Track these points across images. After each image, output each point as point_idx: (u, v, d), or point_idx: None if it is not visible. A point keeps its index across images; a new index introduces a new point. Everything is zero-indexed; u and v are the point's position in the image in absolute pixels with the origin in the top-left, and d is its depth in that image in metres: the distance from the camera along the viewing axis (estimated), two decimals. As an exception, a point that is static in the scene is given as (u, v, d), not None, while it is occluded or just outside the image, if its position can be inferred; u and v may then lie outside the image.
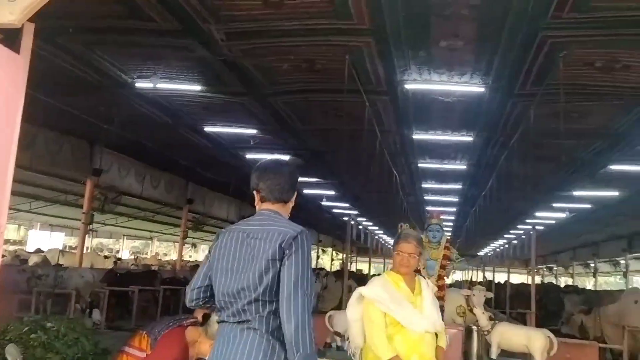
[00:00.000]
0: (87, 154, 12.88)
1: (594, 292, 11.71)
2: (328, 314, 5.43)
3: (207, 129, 12.03)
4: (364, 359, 3.29)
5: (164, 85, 9.14)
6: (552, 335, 5.01)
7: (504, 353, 5.37)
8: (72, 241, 25.27)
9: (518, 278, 22.72)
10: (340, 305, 9.60)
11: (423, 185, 17.17)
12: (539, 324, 10.74)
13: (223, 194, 19.58)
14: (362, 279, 14.46)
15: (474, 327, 5.47)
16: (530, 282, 9.81)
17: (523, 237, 18.26)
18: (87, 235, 14.32)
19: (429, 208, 18.15)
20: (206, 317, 2.98)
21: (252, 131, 11.95)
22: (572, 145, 11.52)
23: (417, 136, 11.53)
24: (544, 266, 32.66)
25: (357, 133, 10.61)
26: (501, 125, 10.63)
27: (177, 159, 15.07)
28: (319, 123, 11.17)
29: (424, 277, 3.52)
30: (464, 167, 13.97)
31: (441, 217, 5.91)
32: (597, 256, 25.63)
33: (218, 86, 9.32)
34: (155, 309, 11.90)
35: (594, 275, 26.30)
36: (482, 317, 5.22)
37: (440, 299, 5.54)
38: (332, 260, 32.58)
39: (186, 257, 29.43)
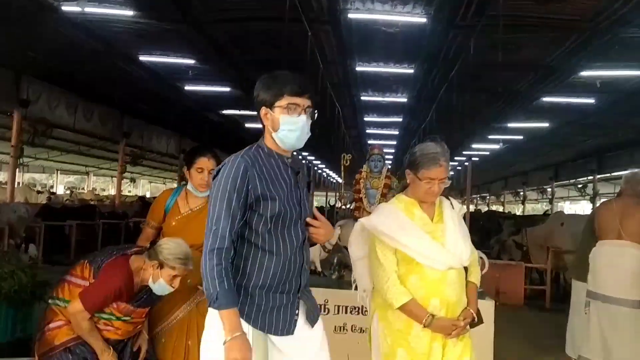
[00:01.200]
0: (13, 84, 12.09)
1: (528, 217, 12.45)
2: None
3: (143, 58, 11.48)
4: (373, 304, 2.75)
5: (93, 10, 8.56)
6: (484, 256, 5.26)
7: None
8: (2, 176, 24.11)
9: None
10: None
11: (365, 119, 17.30)
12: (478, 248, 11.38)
13: (162, 127, 19.03)
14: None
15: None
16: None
17: (459, 168, 18.94)
18: (17, 170, 13.69)
19: (371, 142, 18.39)
20: (153, 245, 2.96)
21: (189, 61, 11.52)
22: (509, 77, 11.82)
23: (360, 68, 11.47)
24: (478, 195, 34.18)
25: (299, 64, 10.43)
26: (442, 56, 10.71)
27: (111, 90, 14.39)
28: (259, 53, 10.86)
29: (447, 198, 2.79)
30: (404, 99, 14.11)
31: (383, 150, 5.98)
32: (527, 185, 27.00)
33: (153, 12, 8.84)
34: (94, 244, 11.68)
35: (523, 203, 27.79)
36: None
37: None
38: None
39: (125, 192, 28.81)
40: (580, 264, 5.17)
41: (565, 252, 8.54)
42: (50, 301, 2.89)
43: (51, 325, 2.81)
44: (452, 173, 18.83)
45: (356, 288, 2.96)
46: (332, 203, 15.27)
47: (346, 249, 6.28)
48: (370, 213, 5.98)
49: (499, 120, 15.72)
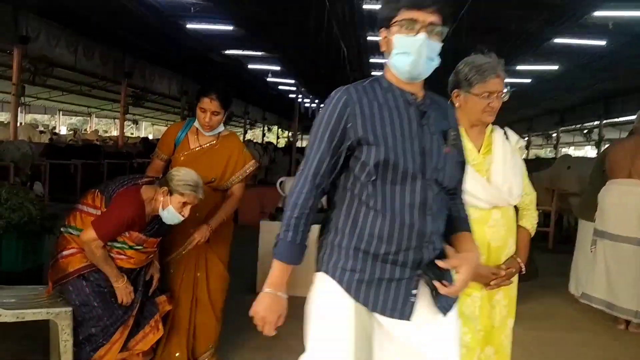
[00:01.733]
0: (12, 20, 11.79)
1: (533, 161, 12.38)
2: (280, 179, 5.46)
3: (143, -7, 11.15)
4: None
5: (92, -60, 8.23)
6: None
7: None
8: (4, 116, 23.97)
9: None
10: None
11: (371, 60, 16.95)
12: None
13: (164, 68, 18.71)
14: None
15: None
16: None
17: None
18: (19, 110, 13.56)
19: (373, 73, 18.04)
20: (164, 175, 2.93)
21: (192, -3, 11.18)
22: (520, 16, 11.48)
23: (367, 6, 11.12)
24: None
25: (304, 2, 10.12)
26: (452, -6, 10.35)
27: (111, 28, 14.04)
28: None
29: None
30: (411, 40, 13.74)
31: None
32: (532, 130, 26.80)
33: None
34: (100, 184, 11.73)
35: (527, 148, 27.69)
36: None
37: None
38: (278, 138, 32.64)
39: (127, 134, 28.73)
40: (589, 203, 5.17)
41: (570, 194, 8.53)
42: (62, 229, 2.89)
43: (64, 252, 2.82)
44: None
45: None
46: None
47: None
48: None
49: (508, 62, 15.22)
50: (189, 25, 13.44)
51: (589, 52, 13.67)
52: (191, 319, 3.32)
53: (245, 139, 27.01)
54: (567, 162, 9.22)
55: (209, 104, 3.15)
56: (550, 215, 8.93)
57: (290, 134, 37.23)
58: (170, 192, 2.75)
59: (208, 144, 3.27)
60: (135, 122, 27.88)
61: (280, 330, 4.30)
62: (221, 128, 3.31)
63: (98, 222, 2.72)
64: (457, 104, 2.23)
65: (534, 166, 11.08)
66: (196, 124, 3.26)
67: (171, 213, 2.77)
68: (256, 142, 11.19)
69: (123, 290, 2.81)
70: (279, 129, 34.62)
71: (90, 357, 2.80)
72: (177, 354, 3.26)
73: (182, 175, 2.77)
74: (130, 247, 2.81)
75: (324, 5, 10.67)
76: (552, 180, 8.77)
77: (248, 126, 28.77)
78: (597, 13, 10.58)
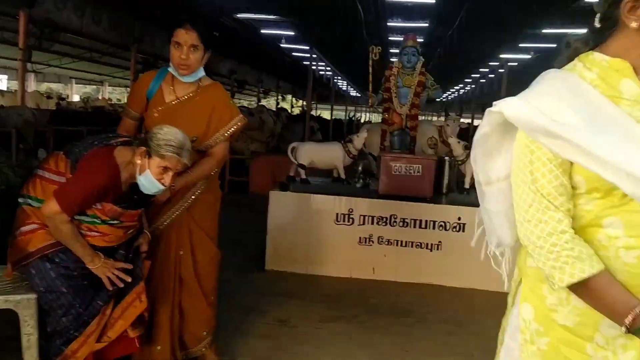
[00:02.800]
0: (15, -19, 11.21)
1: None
2: (291, 145, 4.89)
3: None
4: (517, 273, 1.49)
5: None
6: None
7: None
8: (17, 85, 23.54)
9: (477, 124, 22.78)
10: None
11: (388, 24, 16.08)
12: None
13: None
14: (325, 124, 13.96)
15: (447, 158, 5.05)
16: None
17: (491, 76, 17.88)
18: (32, 78, 13.07)
19: (392, 50, 17.23)
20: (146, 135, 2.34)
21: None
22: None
23: (386, -38, 10.34)
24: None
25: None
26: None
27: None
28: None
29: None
30: (432, 0, 12.91)
31: (417, 41, 5.17)
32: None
33: None
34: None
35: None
36: (458, 146, 4.78)
37: (413, 129, 5.05)
38: (292, 107, 31.91)
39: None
40: None
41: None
42: (20, 200, 2.35)
43: (23, 228, 2.29)
44: (483, 81, 17.72)
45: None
46: (351, 116, 14.55)
47: (372, 155, 5.68)
48: (400, 115, 5.33)
49: (533, 24, 14.47)
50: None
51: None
52: (174, 306, 2.79)
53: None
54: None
55: (184, 35, 2.56)
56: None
57: (304, 103, 36.51)
58: (149, 154, 2.19)
59: (186, 96, 2.70)
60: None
61: (288, 315, 3.67)
62: (201, 73, 2.70)
63: (61, 191, 2.18)
64: (633, 23, 1.27)
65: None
66: (171, 69, 2.67)
67: (149, 180, 2.21)
68: (268, 109, 10.57)
69: (103, 270, 2.28)
70: (293, 98, 33.84)
71: (61, 352, 2.29)
72: (158, 347, 2.73)
73: (164, 133, 2.21)
74: (104, 222, 2.27)
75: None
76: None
77: (262, 95, 28.07)
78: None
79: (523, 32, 15.47)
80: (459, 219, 4.53)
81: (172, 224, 2.72)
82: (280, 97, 31.95)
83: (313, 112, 35.98)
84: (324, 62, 21.80)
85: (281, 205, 4.68)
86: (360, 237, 4.63)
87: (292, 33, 17.71)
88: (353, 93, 34.96)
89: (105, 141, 2.31)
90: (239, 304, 3.95)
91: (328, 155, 4.87)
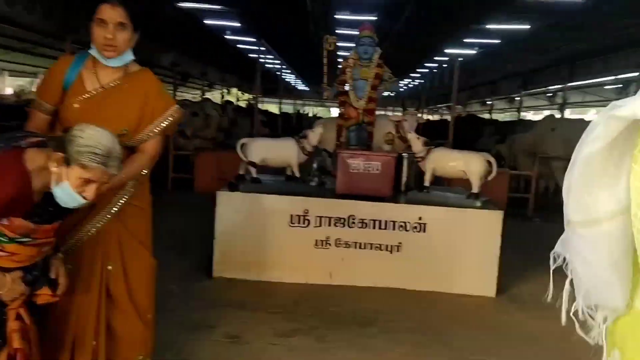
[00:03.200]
0: None
1: (509, 123, 11.60)
2: (241, 141, 4.49)
3: None
4: (616, 342, 1.08)
5: None
6: (491, 159, 4.45)
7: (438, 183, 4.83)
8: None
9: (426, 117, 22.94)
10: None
11: (336, 16, 15.78)
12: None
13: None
14: (273, 118, 13.56)
15: (405, 155, 4.79)
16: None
17: (435, 70, 17.91)
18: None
19: (340, 44, 16.93)
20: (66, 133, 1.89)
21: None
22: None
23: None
24: (444, 105, 33.38)
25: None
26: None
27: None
28: None
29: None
30: (381, -7, 12.71)
31: (374, 31, 4.88)
32: (495, 94, 26.29)
33: None
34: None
35: (490, 113, 27.23)
36: (417, 142, 4.52)
37: (370, 124, 4.76)
38: (238, 100, 31.21)
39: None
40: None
41: (554, 157, 7.90)
42: None
43: None
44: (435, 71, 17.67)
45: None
46: (300, 110, 14.21)
47: (327, 152, 5.35)
48: (357, 109, 5.01)
49: (478, 20, 14.53)
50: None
51: (565, 8, 12.96)
52: (100, 329, 2.33)
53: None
54: (551, 123, 8.54)
55: (110, 11, 2.18)
56: (531, 181, 8.26)
57: (250, 97, 35.83)
58: (67, 162, 1.76)
59: (113, 83, 2.28)
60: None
61: (239, 330, 3.23)
62: (130, 57, 2.30)
63: (-47, 205, 1.72)
64: None
65: (510, 128, 10.43)
66: (93, 52, 2.25)
67: (66, 193, 1.78)
68: (214, 102, 10.06)
69: (12, 293, 1.84)
70: (239, 91, 33.11)
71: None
72: None
73: (87, 138, 1.77)
74: (12, 240, 1.82)
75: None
76: (536, 144, 8.08)
77: (206, 88, 27.27)
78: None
79: (469, 28, 15.55)
80: (420, 218, 4.27)
81: (97, 234, 2.29)
82: (225, 90, 31.18)
83: (260, 106, 35.33)
84: (272, 54, 21.37)
85: (230, 207, 4.28)
86: (316, 240, 4.30)
87: (238, 24, 17.13)
88: (301, 87, 34.60)
89: (12, 142, 1.84)
90: (183, 319, 3.52)
91: (281, 152, 4.49)
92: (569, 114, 20.17)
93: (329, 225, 4.28)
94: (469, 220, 4.25)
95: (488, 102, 27.19)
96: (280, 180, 4.77)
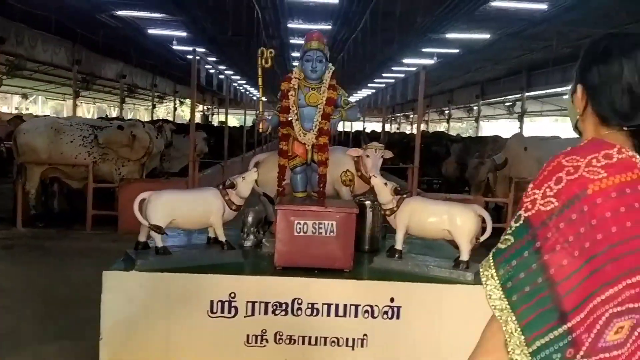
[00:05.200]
0: None
1: (475, 139, 10.56)
2: (140, 196, 3.15)
3: None
4: None
5: None
6: (485, 214, 3.26)
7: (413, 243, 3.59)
8: None
9: (375, 126, 21.87)
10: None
11: (289, 26, 14.55)
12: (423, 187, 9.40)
13: (47, 32, 15.29)
14: (220, 132, 12.22)
15: (368, 203, 3.56)
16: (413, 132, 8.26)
17: (391, 82, 16.92)
18: None
19: (294, 54, 15.66)
20: None
21: None
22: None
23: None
24: (401, 114, 32.59)
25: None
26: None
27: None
28: None
29: None
30: (336, 0, 11.55)
31: (324, 40, 3.62)
32: (452, 103, 25.62)
33: None
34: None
35: (448, 122, 26.54)
36: (384, 189, 3.28)
37: (322, 164, 3.51)
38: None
39: (21, 110, 24.82)
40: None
41: (530, 180, 6.85)
42: None
43: None
44: (392, 83, 16.69)
45: None
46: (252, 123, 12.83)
47: (267, 196, 4.05)
48: (304, 145, 3.71)
49: (437, 29, 13.57)
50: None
51: (525, 17, 12.15)
52: None
53: (153, 115, 23.92)
54: (521, 142, 7.50)
55: None
56: (507, 208, 7.19)
57: (205, 108, 34.20)
58: None
59: None
60: (25, 96, 23.85)
61: None
62: None
63: None
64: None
65: (477, 145, 9.36)
66: None
67: None
68: (144, 122, 8.61)
69: None
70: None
71: None
72: None
73: None
74: None
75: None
76: (510, 166, 7.02)
77: (157, 100, 25.56)
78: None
79: (428, 37, 14.58)
80: (392, 300, 3.02)
81: None
82: (178, 101, 29.51)
83: (215, 117, 33.66)
84: (222, 65, 19.91)
85: (123, 292, 2.93)
86: (248, 335, 2.99)
87: (184, 34, 15.69)
88: (253, 95, 33.11)
89: None
90: None
91: (198, 209, 3.17)
92: (527, 123, 19.55)
93: (266, 313, 2.97)
94: (457, 300, 3.03)
95: (445, 111, 26.47)
96: (198, 248, 3.43)
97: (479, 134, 23.32)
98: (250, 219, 3.60)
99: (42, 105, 30.70)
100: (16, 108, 27.88)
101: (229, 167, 9.58)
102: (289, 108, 3.49)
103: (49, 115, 8.37)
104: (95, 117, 28.54)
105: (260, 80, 3.48)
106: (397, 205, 3.26)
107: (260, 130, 3.53)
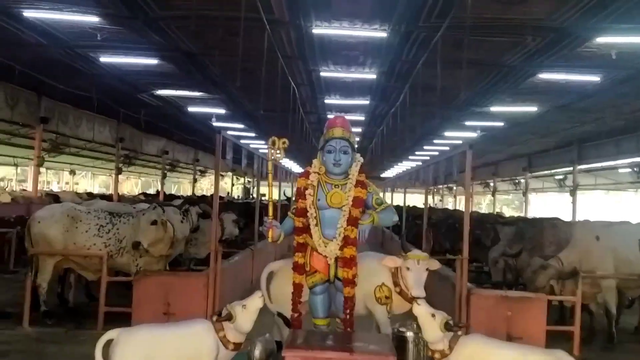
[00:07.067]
0: None
1: (527, 222, 9.56)
2: (104, 337, 2.40)
3: (28, 14, 8.11)
4: None
5: None
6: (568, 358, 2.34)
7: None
8: None
9: (418, 199, 20.94)
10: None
11: (326, 101, 14.20)
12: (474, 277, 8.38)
13: (91, 111, 15.48)
14: (250, 211, 11.45)
15: (409, 335, 2.70)
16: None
17: (433, 154, 16.18)
18: None
19: (329, 115, 15.20)
20: None
21: (92, 19, 8.20)
22: (503, 44, 8.97)
23: (318, 30, 8.39)
24: (444, 185, 31.53)
25: (235, 25, 7.33)
26: (425, 13, 7.72)
27: (11, 64, 10.91)
28: (182, 7, 7.67)
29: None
30: (373, 76, 11.10)
31: (350, 126, 2.92)
32: (497, 175, 24.53)
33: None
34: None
35: (493, 195, 25.33)
36: (431, 322, 2.43)
37: (348, 283, 2.70)
38: (233, 185, 29.46)
39: (71, 187, 25.24)
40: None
41: (603, 276, 5.91)
42: None
43: None
44: (435, 160, 15.98)
45: None
46: (287, 194, 12.11)
47: (282, 317, 3.17)
48: (326, 258, 2.79)
49: (481, 103, 12.90)
50: (103, 59, 10.45)
51: (575, 90, 11.32)
52: None
53: (194, 189, 23.80)
54: (591, 231, 6.44)
55: None
56: (576, 308, 6.05)
57: (246, 180, 34.20)
58: None
59: None
60: (73, 172, 24.30)
61: None
62: None
63: None
64: None
65: (530, 228, 8.31)
66: None
67: None
68: (172, 205, 8.01)
69: None
70: (235, 176, 31.47)
71: None
72: None
73: None
74: None
75: (264, 29, 7.87)
76: (580, 260, 5.97)
77: (198, 174, 25.60)
78: (601, 39, 8.16)
79: (470, 110, 13.90)
80: None
81: None
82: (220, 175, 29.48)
83: (255, 190, 33.48)
84: (256, 140, 19.74)
85: None
86: None
87: (223, 111, 15.61)
88: (298, 170, 32.98)
89: None
90: None
91: (184, 350, 2.39)
92: (578, 196, 18.22)
93: None
94: None
95: (490, 184, 25.33)
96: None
97: (527, 208, 22.00)
98: (257, 352, 2.77)
99: (91, 180, 31.33)
100: (66, 183, 28.46)
101: (259, 252, 8.82)
102: (306, 210, 2.75)
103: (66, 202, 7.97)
104: (140, 190, 28.80)
105: (269, 176, 2.77)
106: (449, 346, 2.39)
107: (270, 240, 2.78)
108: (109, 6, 7.68)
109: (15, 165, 21.79)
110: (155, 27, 8.60)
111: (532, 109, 13.25)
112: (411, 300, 2.78)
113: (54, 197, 11.57)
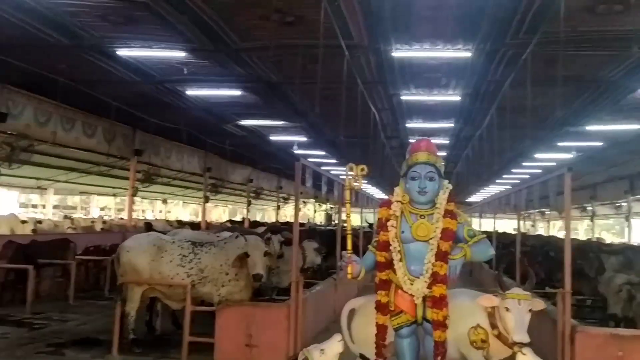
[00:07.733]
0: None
1: (635, 250, 8.60)
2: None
3: (121, 52, 8.57)
4: None
5: None
6: None
7: None
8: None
9: (506, 225, 19.80)
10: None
11: (408, 125, 13.86)
12: (576, 311, 7.58)
13: (180, 142, 16.16)
14: (332, 238, 11.25)
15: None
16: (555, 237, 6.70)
17: (524, 177, 15.23)
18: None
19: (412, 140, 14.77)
20: None
21: (178, 54, 8.52)
22: (601, 57, 8.27)
23: (398, 53, 8.18)
24: (536, 210, 29.76)
25: (317, 52, 7.28)
26: (512, 29, 7.29)
27: (108, 101, 11.63)
28: (262, 38, 7.77)
29: None
30: (457, 98, 10.66)
31: (436, 150, 2.64)
32: (595, 199, 22.72)
33: None
34: (67, 286, 8.89)
35: (592, 220, 23.47)
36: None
37: (439, 325, 2.39)
38: (315, 211, 29.59)
39: (162, 215, 26.43)
40: None
41: None
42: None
43: None
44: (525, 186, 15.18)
45: None
46: (370, 221, 11.76)
47: (363, 357, 2.82)
48: (412, 297, 2.47)
49: (576, 122, 12.00)
50: (189, 92, 10.86)
51: (686, 103, 10.24)
52: None
53: (278, 216, 24.08)
54: None
55: None
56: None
57: (329, 207, 34.23)
58: None
59: None
60: (165, 201, 25.48)
61: None
62: None
63: None
64: None
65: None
66: None
67: None
68: (257, 233, 7.94)
69: None
70: (317, 203, 31.60)
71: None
72: None
73: None
74: None
75: (342, 53, 7.78)
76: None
77: (282, 201, 25.93)
78: None
79: (563, 130, 12.98)
80: None
81: None
82: (302, 202, 29.78)
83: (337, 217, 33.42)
84: (338, 167, 19.65)
85: None
86: None
87: (304, 139, 15.72)
88: (379, 195, 32.55)
89: None
90: None
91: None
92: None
93: None
94: None
95: (588, 208, 23.50)
96: None
97: (631, 234, 20.16)
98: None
99: (182, 208, 32.71)
100: (160, 211, 29.87)
101: (342, 281, 8.56)
102: (389, 244, 2.49)
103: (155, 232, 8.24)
104: (228, 217, 29.62)
105: (347, 205, 2.54)
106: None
107: (349, 277, 2.54)
108: (193, 41, 7.93)
109: (114, 195, 23.24)
110: (237, 58, 8.79)
111: (634, 126, 12.14)
112: (512, 345, 2.42)
113: (148, 225, 12.02)
